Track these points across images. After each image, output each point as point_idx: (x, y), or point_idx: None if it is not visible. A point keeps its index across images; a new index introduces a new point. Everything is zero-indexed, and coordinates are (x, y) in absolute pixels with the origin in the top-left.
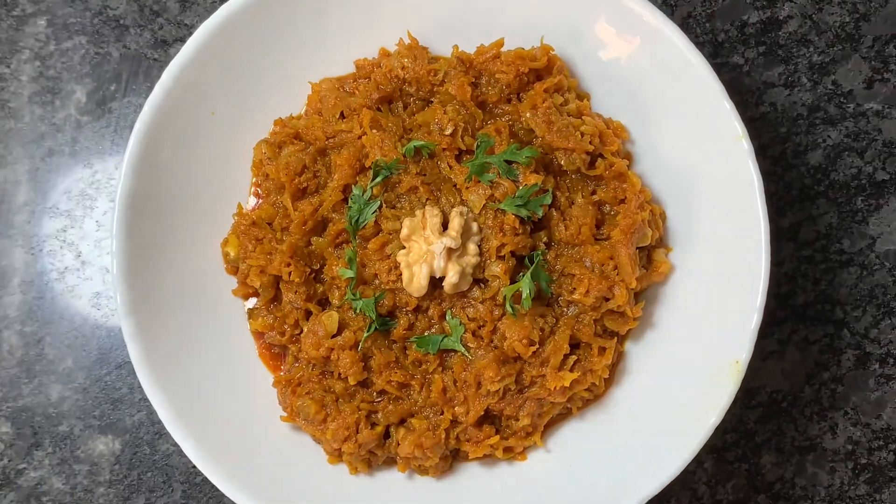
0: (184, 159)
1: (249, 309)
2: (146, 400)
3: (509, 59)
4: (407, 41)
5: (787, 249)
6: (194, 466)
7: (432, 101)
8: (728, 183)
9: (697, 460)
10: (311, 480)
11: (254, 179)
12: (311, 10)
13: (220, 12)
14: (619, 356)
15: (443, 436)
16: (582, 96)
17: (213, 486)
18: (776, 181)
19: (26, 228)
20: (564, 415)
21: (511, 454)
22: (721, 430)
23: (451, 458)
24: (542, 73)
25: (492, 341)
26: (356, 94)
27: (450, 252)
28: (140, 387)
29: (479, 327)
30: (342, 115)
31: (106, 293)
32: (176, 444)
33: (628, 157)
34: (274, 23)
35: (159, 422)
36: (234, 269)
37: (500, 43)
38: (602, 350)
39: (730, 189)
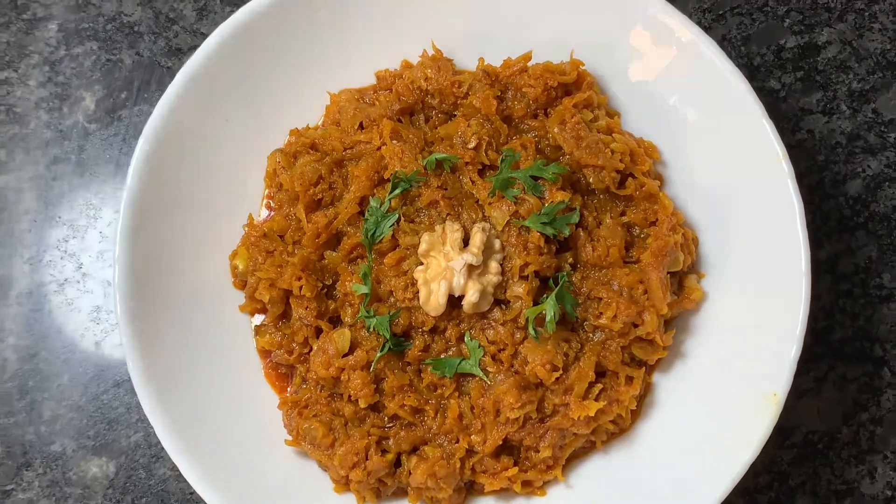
0: (194, 167)
1: (256, 326)
2: (143, 420)
3: (537, 72)
4: (431, 53)
5: (825, 282)
6: (192, 492)
7: (455, 115)
8: (766, 206)
9: (727, 502)
10: None
11: (266, 191)
12: (331, 17)
13: (238, 15)
14: (648, 388)
15: (457, 465)
16: (612, 114)
17: None
18: (813, 211)
19: (27, 237)
20: (588, 449)
21: (530, 489)
22: (753, 472)
23: (466, 491)
24: (570, 88)
25: (512, 366)
26: (376, 105)
27: (470, 269)
28: (138, 406)
29: (500, 351)
30: (361, 127)
31: (106, 307)
32: (173, 469)
33: (659, 179)
34: (293, 30)
35: (156, 444)
36: (242, 283)
37: (528, 56)
38: (629, 380)
39: (768, 212)
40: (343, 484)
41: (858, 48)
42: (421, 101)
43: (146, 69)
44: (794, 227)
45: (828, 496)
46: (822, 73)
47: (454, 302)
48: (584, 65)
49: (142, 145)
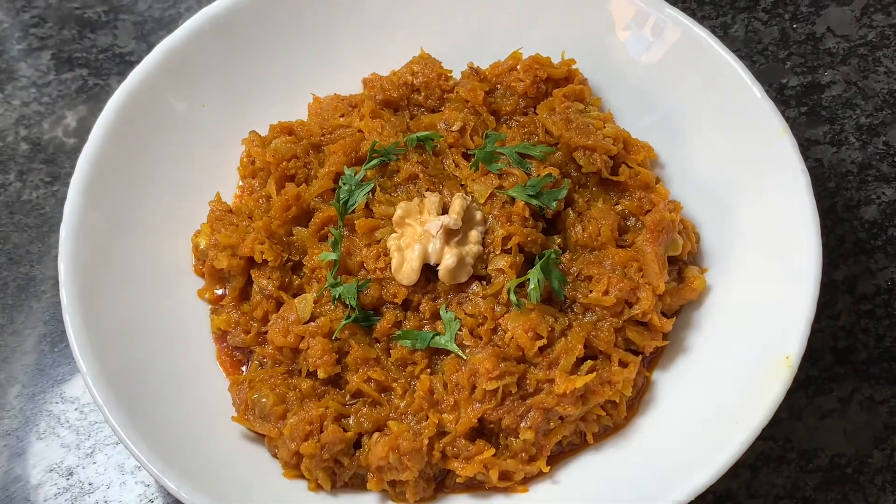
0: (162, 143)
1: (213, 307)
2: None
3: (526, 65)
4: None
5: (844, 303)
6: None
7: (441, 111)
8: (770, 182)
9: None
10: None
11: (240, 184)
12: (318, 21)
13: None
14: (646, 385)
15: (424, 443)
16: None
17: None
18: (826, 233)
19: None
20: (578, 447)
21: (509, 483)
22: (774, 496)
23: (435, 483)
24: (560, 83)
25: (491, 341)
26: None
27: (448, 235)
28: None
29: (479, 325)
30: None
31: None
32: None
33: (657, 180)
34: (279, 28)
35: None
36: (203, 266)
37: (518, 55)
38: (624, 364)
39: (773, 188)
40: (293, 467)
41: (864, 88)
42: (406, 97)
43: None
44: (801, 199)
45: None
46: (828, 109)
47: (429, 276)
48: (575, 63)
49: (110, 105)
